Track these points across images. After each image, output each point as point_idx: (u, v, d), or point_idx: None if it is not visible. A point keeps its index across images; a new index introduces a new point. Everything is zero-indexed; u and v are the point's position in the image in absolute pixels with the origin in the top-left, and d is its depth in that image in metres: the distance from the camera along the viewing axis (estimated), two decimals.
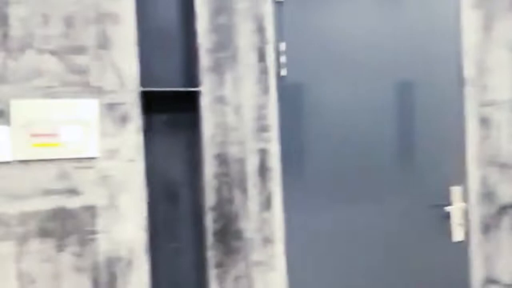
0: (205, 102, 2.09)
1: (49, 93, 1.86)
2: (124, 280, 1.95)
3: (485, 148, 2.51)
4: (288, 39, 2.23)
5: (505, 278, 2.55)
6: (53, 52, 1.86)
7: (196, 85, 2.11)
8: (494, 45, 2.52)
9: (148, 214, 2.02)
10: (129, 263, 1.96)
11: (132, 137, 1.97)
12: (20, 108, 1.81)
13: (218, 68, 2.11)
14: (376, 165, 2.37)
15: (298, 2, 2.27)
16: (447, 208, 2.46)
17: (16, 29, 1.82)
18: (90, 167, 1.92)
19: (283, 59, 2.22)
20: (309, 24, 2.28)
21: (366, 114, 2.36)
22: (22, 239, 1.83)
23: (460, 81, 2.49)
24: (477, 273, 2.51)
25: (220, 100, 2.11)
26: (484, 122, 2.51)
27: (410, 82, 2.43)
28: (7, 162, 1.80)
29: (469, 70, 2.48)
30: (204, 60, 2.09)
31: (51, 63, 1.86)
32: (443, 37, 2.48)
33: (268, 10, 2.18)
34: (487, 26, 2.51)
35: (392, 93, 2.40)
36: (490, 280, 2.53)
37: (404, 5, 2.44)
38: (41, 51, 1.85)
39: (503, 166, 2.52)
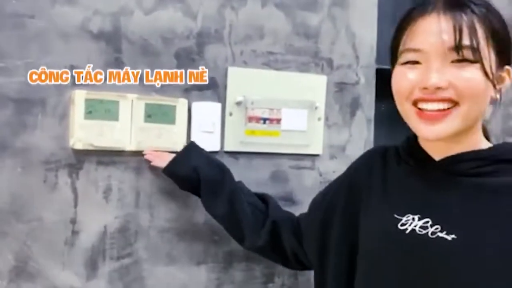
0: None
1: (270, 61, 1.33)
2: None
3: None
4: None
5: None
6: (279, 5, 1.33)
7: None
8: None
9: None
10: None
11: (362, 131, 1.44)
12: (236, 79, 1.28)
13: None
14: None
15: None
16: None
17: None
18: (311, 168, 1.39)
19: None
20: None
21: None
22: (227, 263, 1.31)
23: None
24: None
25: None
26: None
27: None
28: (214, 153, 1.28)
29: None
30: None
31: (277, 20, 1.33)
32: None
33: None
34: None
35: None
36: None
37: None
38: (265, 2, 1.32)
39: None
